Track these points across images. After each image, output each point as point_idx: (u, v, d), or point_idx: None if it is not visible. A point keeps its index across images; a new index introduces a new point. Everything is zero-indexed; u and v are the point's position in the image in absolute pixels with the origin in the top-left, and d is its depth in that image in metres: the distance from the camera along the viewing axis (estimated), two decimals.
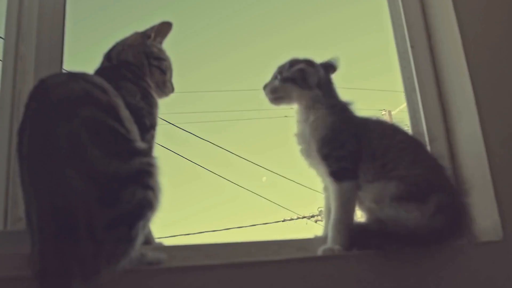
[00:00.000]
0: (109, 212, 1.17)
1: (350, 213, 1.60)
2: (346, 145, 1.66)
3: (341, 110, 1.77)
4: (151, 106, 1.58)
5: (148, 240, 1.50)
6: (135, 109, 1.47)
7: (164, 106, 1.74)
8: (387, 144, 1.68)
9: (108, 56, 1.67)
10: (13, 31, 1.69)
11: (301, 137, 1.77)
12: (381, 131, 1.74)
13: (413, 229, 1.47)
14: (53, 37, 1.71)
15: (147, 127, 1.51)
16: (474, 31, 2.08)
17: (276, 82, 1.83)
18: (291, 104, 1.84)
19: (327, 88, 1.83)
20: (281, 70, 1.86)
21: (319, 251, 1.53)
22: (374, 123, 1.79)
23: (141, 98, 1.53)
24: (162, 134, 1.64)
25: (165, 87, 1.73)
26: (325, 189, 1.79)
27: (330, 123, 1.69)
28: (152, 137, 1.55)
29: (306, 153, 1.74)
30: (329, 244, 1.56)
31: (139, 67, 1.65)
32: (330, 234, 1.58)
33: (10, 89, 1.62)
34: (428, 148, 1.98)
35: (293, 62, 1.86)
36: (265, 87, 1.86)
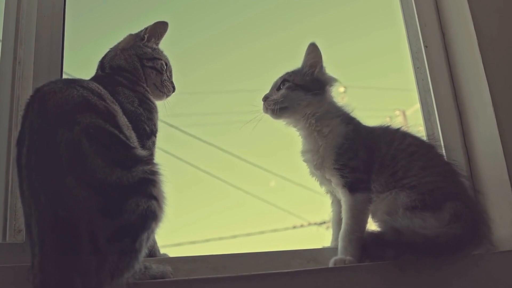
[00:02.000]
0: (112, 223, 1.18)
1: (362, 224, 1.60)
2: (359, 154, 1.65)
3: (351, 118, 1.77)
4: (150, 112, 1.59)
5: (153, 252, 1.50)
6: (134, 115, 1.48)
7: (165, 108, 1.76)
8: (396, 149, 1.68)
9: (101, 64, 1.69)
10: (11, 34, 1.70)
11: (311, 152, 1.74)
12: (389, 137, 1.74)
13: (430, 238, 1.46)
14: (53, 40, 1.72)
15: (148, 134, 1.52)
16: (490, 29, 2.07)
17: (283, 91, 1.79)
18: (294, 117, 1.79)
19: (332, 97, 1.83)
20: (287, 78, 1.82)
21: (331, 263, 1.53)
22: (381, 130, 1.78)
23: (139, 104, 1.55)
24: (163, 137, 1.65)
25: (164, 87, 1.73)
26: (333, 203, 1.80)
27: (344, 132, 1.69)
28: (153, 143, 1.56)
29: (317, 167, 1.71)
30: (339, 254, 1.56)
31: (133, 71, 1.67)
32: (340, 244, 1.58)
33: (8, 95, 1.64)
34: (443, 152, 1.98)
35: (303, 68, 1.84)
36: (265, 98, 1.82)
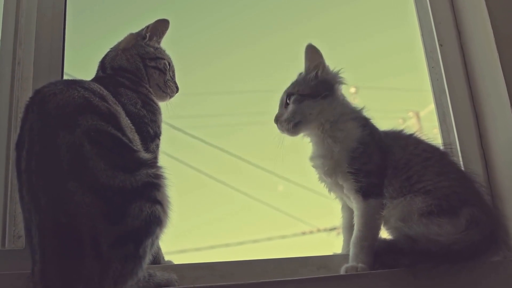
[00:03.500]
0: (115, 228, 1.18)
1: (374, 231, 1.59)
2: (373, 158, 1.65)
3: (366, 120, 1.76)
4: (154, 114, 1.59)
5: (157, 259, 1.51)
6: (136, 117, 1.49)
7: (168, 109, 1.77)
8: (410, 153, 1.68)
9: (102, 65, 1.70)
10: (10, 34, 1.71)
11: (322, 158, 1.71)
12: (403, 141, 1.73)
13: (446, 245, 1.46)
14: (53, 40, 1.74)
15: (151, 136, 1.53)
16: (508, 27, 2.06)
17: (291, 106, 1.75)
18: (311, 129, 1.76)
19: (343, 97, 1.81)
20: (291, 91, 1.79)
21: (342, 270, 1.52)
22: (394, 134, 1.78)
23: (142, 105, 1.56)
24: (167, 140, 1.65)
25: (167, 88, 1.74)
26: (344, 208, 1.79)
27: (360, 136, 1.68)
28: (157, 146, 1.57)
29: (329, 173, 1.69)
30: (351, 261, 1.55)
31: (135, 72, 1.67)
32: (352, 251, 1.57)
33: (7, 97, 1.65)
34: (459, 155, 1.98)
35: (306, 74, 1.81)
36: (276, 119, 1.79)
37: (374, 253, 1.54)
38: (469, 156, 1.99)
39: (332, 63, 1.80)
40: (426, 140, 1.77)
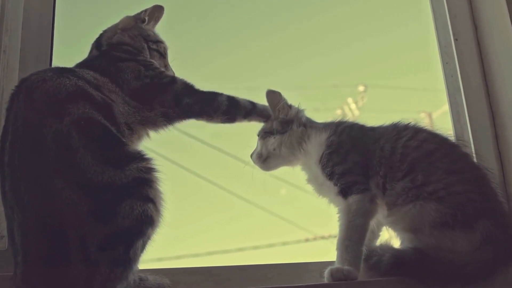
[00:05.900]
0: (104, 229, 1.16)
1: (360, 230, 1.54)
2: (349, 156, 1.63)
3: (337, 126, 1.75)
4: (158, 68, 1.61)
5: None
6: (146, 87, 1.51)
7: None
8: (404, 146, 1.61)
9: (97, 44, 1.68)
10: None
11: (309, 180, 1.76)
12: (394, 133, 1.67)
13: (458, 266, 1.43)
14: (41, 27, 1.73)
15: (169, 82, 1.56)
16: None
17: (258, 142, 1.82)
18: (281, 163, 1.81)
19: (309, 123, 1.83)
20: (259, 130, 1.84)
21: (327, 272, 1.47)
22: (385, 127, 1.74)
23: (146, 70, 1.55)
24: (164, 140, 1.64)
25: (168, 71, 1.74)
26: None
27: (323, 139, 1.70)
28: (183, 82, 1.59)
29: (318, 190, 1.72)
30: (336, 264, 1.51)
31: (139, 49, 1.67)
32: (337, 253, 1.53)
33: None
34: (474, 157, 1.95)
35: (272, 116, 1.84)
36: (251, 155, 1.84)
37: (362, 255, 1.51)
38: (485, 158, 1.95)
39: (338, 61, 1.80)
40: (430, 129, 1.70)
